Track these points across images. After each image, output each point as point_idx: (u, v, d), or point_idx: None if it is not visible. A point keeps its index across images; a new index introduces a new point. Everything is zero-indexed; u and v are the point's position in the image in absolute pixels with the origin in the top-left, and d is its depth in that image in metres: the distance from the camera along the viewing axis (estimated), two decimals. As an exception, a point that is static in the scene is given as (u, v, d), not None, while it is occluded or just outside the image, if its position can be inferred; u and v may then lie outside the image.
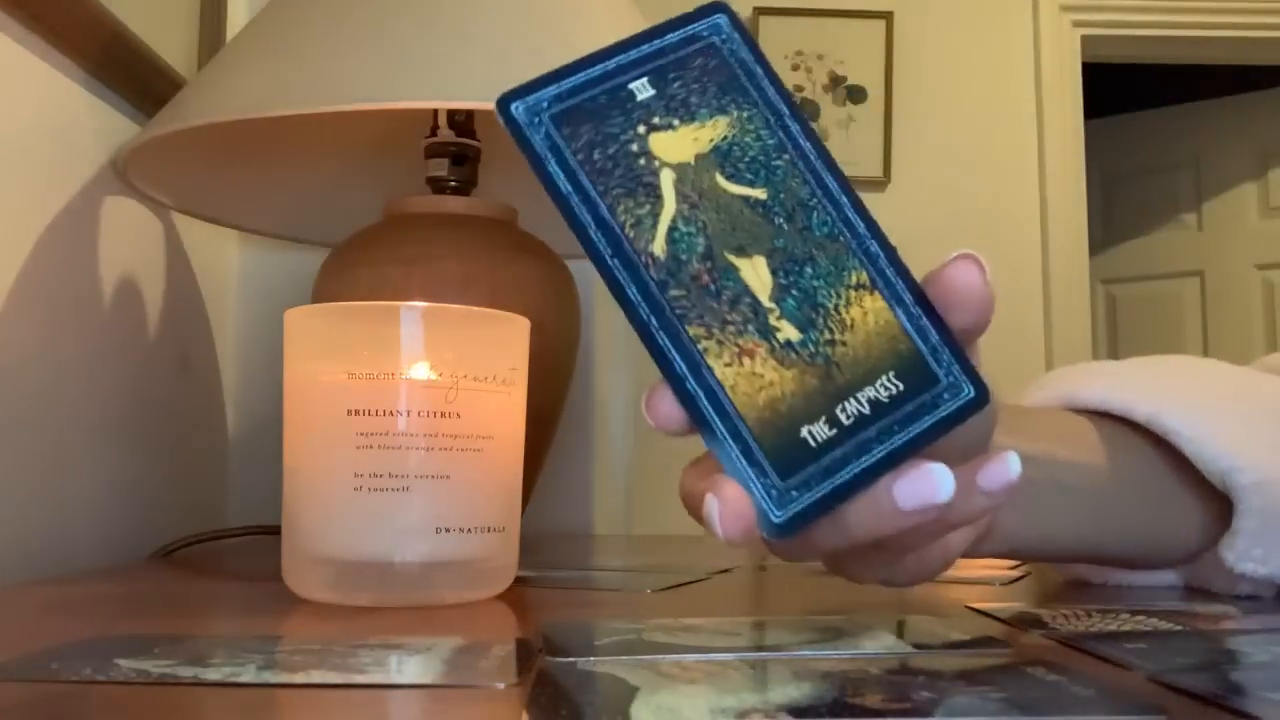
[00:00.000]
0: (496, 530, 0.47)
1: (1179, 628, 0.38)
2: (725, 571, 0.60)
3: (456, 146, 0.78)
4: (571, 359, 0.80)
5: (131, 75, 0.79)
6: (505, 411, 0.48)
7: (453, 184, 0.78)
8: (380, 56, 0.63)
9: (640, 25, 0.73)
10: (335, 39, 0.65)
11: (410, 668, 0.32)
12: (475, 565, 0.47)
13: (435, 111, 0.78)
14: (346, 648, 0.34)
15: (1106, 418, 0.48)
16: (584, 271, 0.93)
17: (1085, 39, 2.43)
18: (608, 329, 1.18)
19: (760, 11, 2.22)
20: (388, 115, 0.86)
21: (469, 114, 0.78)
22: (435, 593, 0.45)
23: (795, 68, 2.22)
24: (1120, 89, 3.23)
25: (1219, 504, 0.47)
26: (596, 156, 0.32)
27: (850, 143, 2.18)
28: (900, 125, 2.26)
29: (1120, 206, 3.41)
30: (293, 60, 0.65)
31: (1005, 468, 0.33)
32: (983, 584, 0.53)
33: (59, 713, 0.26)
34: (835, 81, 2.24)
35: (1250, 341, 3.15)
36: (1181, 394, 0.47)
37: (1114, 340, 3.38)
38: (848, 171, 0.34)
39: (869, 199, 0.33)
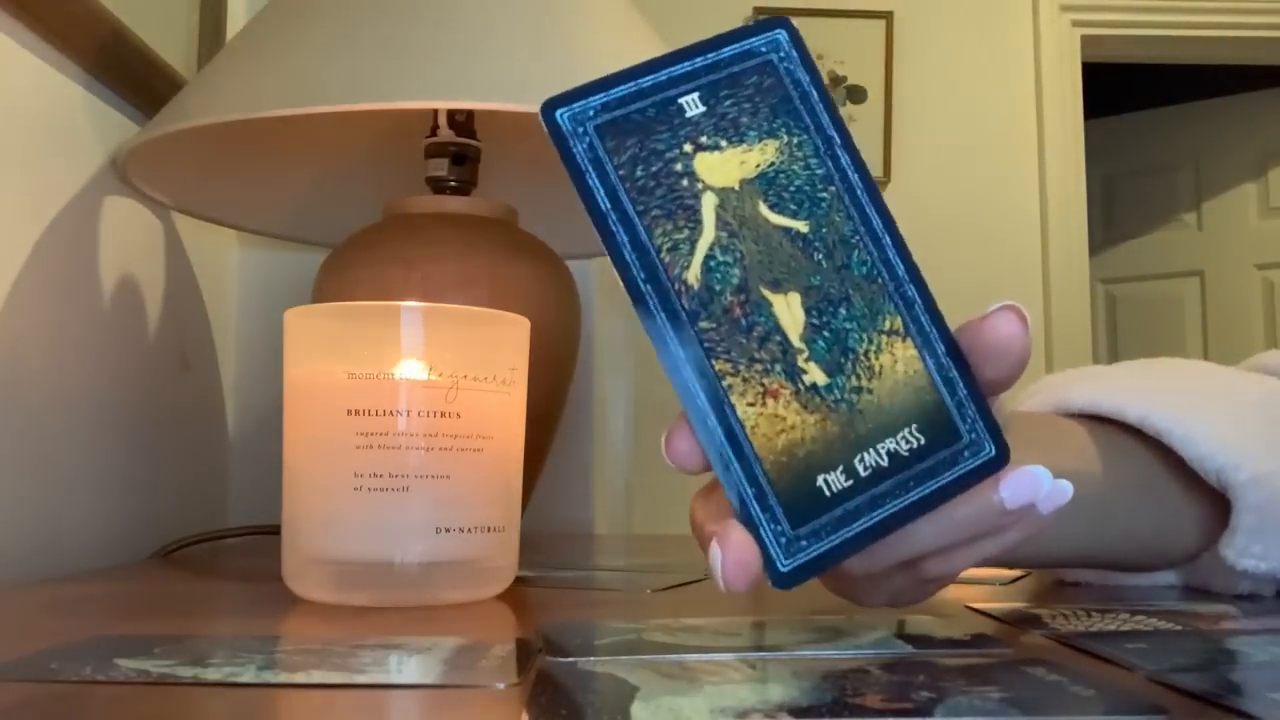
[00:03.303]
0: (496, 530, 0.47)
1: (1179, 628, 0.38)
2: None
3: (456, 146, 0.78)
4: (571, 359, 0.80)
5: (131, 75, 0.79)
6: (505, 411, 0.48)
7: (453, 184, 0.78)
8: (381, 56, 0.63)
9: (642, 26, 0.73)
10: (335, 38, 0.65)
11: (410, 668, 0.32)
12: (475, 565, 0.47)
13: (435, 111, 0.78)
14: (346, 648, 0.34)
15: (1099, 422, 0.48)
16: (584, 271, 0.93)
17: (1085, 39, 2.43)
18: (608, 329, 1.18)
19: (759, 12, 2.22)
20: (388, 115, 0.86)
21: (469, 114, 0.78)
22: (435, 593, 0.45)
23: (795, 68, 2.21)
24: (1120, 89, 3.23)
25: (1216, 503, 0.47)
26: (639, 173, 0.31)
27: (850, 143, 2.18)
28: (900, 125, 2.27)
29: (1120, 206, 3.41)
30: (292, 60, 0.65)
31: (1037, 484, 0.33)
32: (983, 584, 0.53)
33: (59, 713, 0.26)
34: (835, 81, 2.24)
35: (1250, 341, 3.15)
36: (1172, 395, 0.47)
37: (1114, 340, 3.38)
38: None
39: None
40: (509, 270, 0.73)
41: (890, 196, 2.24)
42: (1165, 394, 0.47)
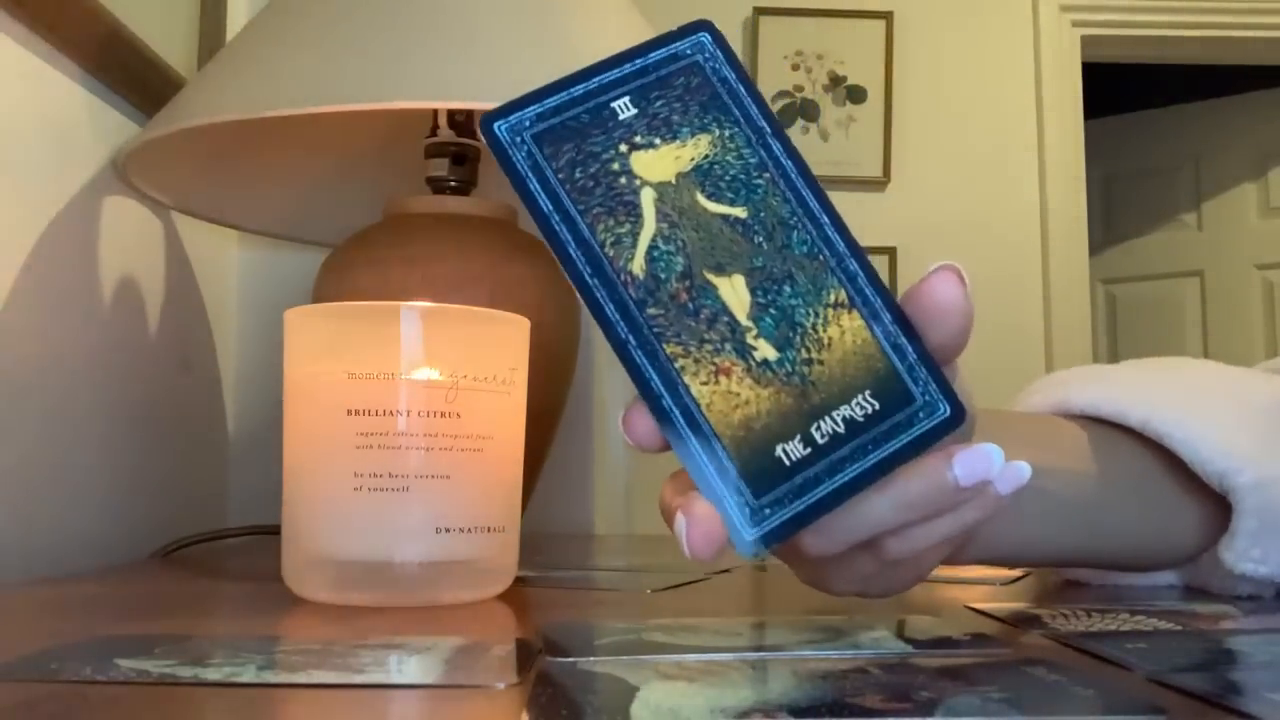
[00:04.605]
0: (496, 530, 0.47)
1: (1179, 628, 0.38)
2: (725, 571, 0.60)
3: (456, 146, 0.78)
4: (571, 359, 0.80)
5: (131, 75, 0.79)
6: (505, 411, 0.48)
7: (453, 184, 0.78)
8: (380, 56, 0.63)
9: (641, 25, 0.73)
10: (335, 39, 0.65)
11: (410, 668, 0.32)
12: (475, 565, 0.47)
13: (435, 111, 0.78)
14: (346, 648, 0.34)
15: (1100, 423, 0.47)
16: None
17: (1085, 39, 2.43)
18: (608, 329, 1.18)
19: (760, 11, 2.21)
20: (388, 115, 0.86)
21: (469, 114, 0.78)
22: (435, 593, 0.45)
23: (795, 68, 2.22)
24: (1120, 89, 3.23)
25: (1216, 504, 0.47)
26: (578, 175, 0.32)
27: (850, 143, 2.18)
28: (900, 125, 2.26)
29: (1120, 206, 3.41)
30: (293, 60, 0.65)
31: (989, 463, 0.33)
32: (983, 584, 0.53)
33: (59, 713, 0.26)
34: (835, 81, 2.24)
35: (1250, 341, 3.15)
36: (1173, 397, 0.47)
37: (1114, 340, 3.38)
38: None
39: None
40: (509, 270, 0.73)
41: (890, 196, 2.24)
42: (1167, 396, 0.47)
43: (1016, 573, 0.57)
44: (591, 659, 0.32)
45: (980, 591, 0.51)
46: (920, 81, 2.32)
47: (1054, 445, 0.45)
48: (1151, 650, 0.33)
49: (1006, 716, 0.25)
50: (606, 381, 1.20)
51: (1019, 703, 0.26)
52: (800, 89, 2.22)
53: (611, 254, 0.32)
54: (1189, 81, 3.18)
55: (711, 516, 0.31)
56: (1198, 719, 0.25)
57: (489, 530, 0.47)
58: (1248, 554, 0.45)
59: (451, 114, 0.78)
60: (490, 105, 0.62)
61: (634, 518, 1.23)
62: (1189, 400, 0.47)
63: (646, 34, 0.72)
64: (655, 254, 0.32)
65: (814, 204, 0.33)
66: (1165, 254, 3.36)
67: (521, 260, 0.75)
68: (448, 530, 0.45)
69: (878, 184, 2.26)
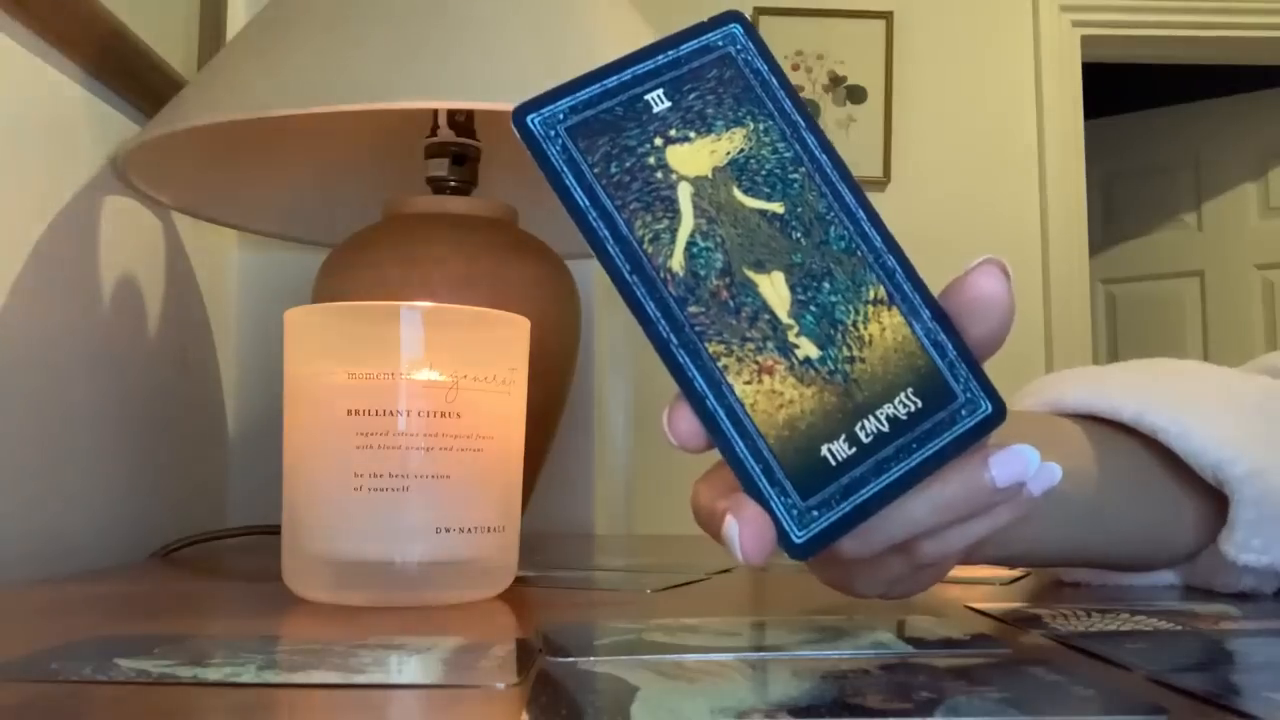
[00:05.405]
0: (496, 530, 0.47)
1: (1179, 628, 0.38)
2: (725, 571, 0.60)
3: (456, 146, 0.78)
4: (571, 359, 0.80)
5: (131, 75, 0.79)
6: (505, 411, 0.48)
7: (453, 184, 0.78)
8: (380, 56, 0.63)
9: (640, 25, 0.73)
10: (335, 39, 0.65)
11: (410, 668, 0.32)
12: (475, 565, 0.47)
13: (435, 111, 0.78)
14: (346, 648, 0.34)
15: (1095, 421, 0.48)
16: (584, 271, 0.93)
17: (1085, 39, 2.43)
18: (608, 329, 1.18)
19: (760, 11, 2.22)
20: (388, 115, 0.86)
21: (469, 114, 0.78)
22: (435, 593, 0.45)
23: (795, 68, 2.22)
24: (1120, 89, 3.23)
25: (1212, 501, 0.47)
26: (614, 170, 0.32)
27: (850, 143, 2.18)
28: (900, 125, 2.26)
29: (1120, 206, 3.41)
30: (293, 60, 0.65)
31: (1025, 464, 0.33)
32: (983, 584, 0.53)
33: (59, 713, 0.26)
34: (835, 81, 2.24)
35: (1250, 341, 3.15)
36: (1167, 393, 0.48)
37: (1114, 340, 3.38)
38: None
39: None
40: (509, 271, 0.73)
41: (890, 196, 2.24)
42: (1161, 392, 0.48)
43: (1016, 573, 0.57)
44: (591, 659, 0.32)
45: (980, 591, 0.51)
46: (920, 81, 2.33)
47: (1058, 445, 0.45)
48: (1151, 650, 0.33)
49: (1006, 716, 0.25)
50: (606, 381, 1.20)
51: (1019, 703, 0.26)
52: (800, 89, 2.22)
53: (650, 251, 0.31)
54: (1189, 81, 3.18)
55: (763, 519, 0.30)
56: (1198, 719, 0.25)
57: (489, 530, 0.47)
58: (1248, 544, 0.45)
59: (451, 114, 0.78)
60: (491, 105, 0.63)
61: (634, 518, 1.24)
62: (1181, 396, 0.47)
63: (648, 35, 0.72)
64: (694, 250, 0.32)
65: (850, 199, 0.33)
66: (1165, 254, 3.36)
67: (521, 260, 0.75)
68: (448, 530, 0.45)
69: (878, 184, 2.26)
